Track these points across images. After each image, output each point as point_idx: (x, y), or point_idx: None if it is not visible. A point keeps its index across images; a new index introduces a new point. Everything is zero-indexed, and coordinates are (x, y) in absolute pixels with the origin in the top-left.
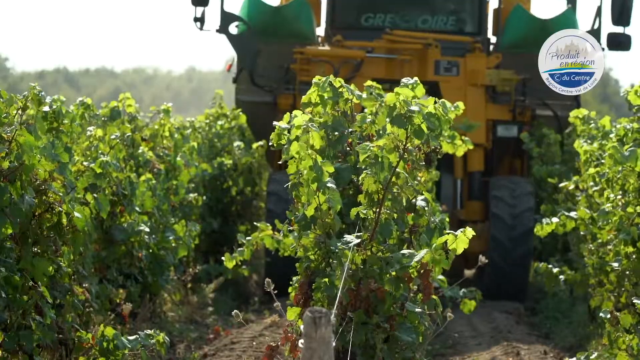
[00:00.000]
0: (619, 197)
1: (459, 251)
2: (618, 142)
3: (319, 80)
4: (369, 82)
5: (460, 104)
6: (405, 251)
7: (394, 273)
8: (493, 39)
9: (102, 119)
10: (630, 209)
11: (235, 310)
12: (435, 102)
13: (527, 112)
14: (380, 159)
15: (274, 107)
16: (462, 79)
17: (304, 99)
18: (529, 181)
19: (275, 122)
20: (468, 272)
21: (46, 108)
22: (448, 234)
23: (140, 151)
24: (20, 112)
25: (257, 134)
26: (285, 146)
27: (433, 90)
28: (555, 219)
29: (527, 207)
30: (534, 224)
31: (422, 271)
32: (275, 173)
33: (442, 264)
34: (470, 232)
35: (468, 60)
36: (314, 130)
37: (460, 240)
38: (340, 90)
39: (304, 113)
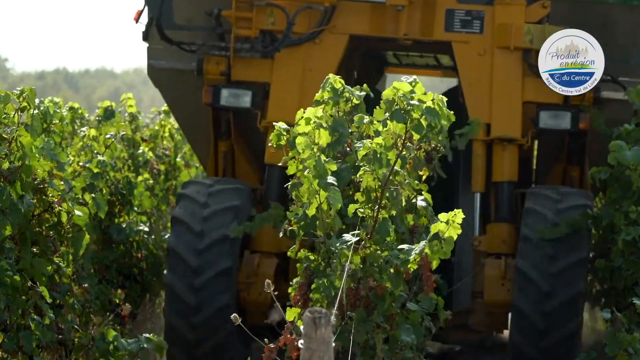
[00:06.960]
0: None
1: (454, 237)
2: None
3: (334, 79)
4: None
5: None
6: (403, 246)
7: (391, 270)
8: None
9: (97, 118)
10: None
11: (234, 314)
12: (432, 99)
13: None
14: (378, 155)
15: (199, 75)
16: (487, 38)
17: (317, 97)
18: (589, 198)
19: (275, 123)
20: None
21: (34, 111)
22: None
23: (140, 151)
24: (19, 112)
25: (182, 121)
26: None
27: (444, 54)
28: None
29: (578, 258)
30: (584, 284)
31: (422, 263)
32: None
33: (440, 254)
34: (460, 215)
35: (497, 11)
36: (323, 127)
37: (453, 227)
38: (340, 90)
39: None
